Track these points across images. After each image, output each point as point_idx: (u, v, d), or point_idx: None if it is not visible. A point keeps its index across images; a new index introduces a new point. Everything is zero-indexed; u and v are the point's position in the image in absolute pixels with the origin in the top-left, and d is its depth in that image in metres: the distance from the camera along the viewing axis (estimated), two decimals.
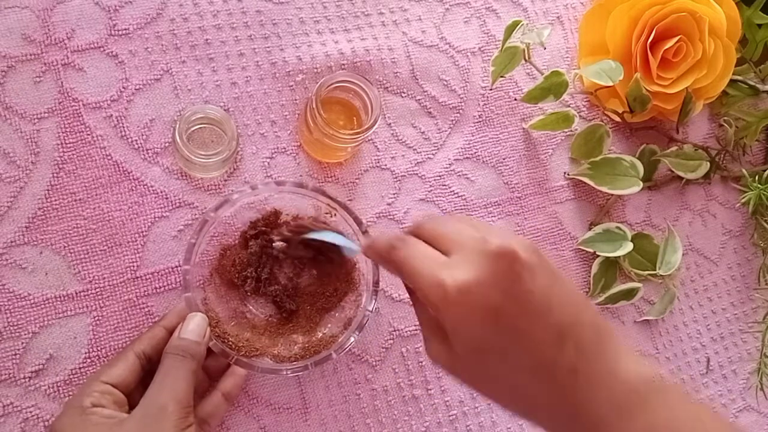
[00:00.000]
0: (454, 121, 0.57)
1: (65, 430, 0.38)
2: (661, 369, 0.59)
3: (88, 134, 0.48)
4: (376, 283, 0.46)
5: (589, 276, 0.57)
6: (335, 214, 0.48)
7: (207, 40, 0.51)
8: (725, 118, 0.62)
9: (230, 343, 0.44)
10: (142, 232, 0.48)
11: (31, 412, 0.44)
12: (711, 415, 0.35)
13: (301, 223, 0.46)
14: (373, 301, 0.45)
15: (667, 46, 0.54)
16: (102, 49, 0.49)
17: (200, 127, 0.50)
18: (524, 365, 0.33)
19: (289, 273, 0.49)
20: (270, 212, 0.48)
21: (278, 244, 0.47)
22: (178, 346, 0.41)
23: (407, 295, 0.41)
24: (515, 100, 0.59)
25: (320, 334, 0.47)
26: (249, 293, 0.47)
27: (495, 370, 0.33)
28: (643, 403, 0.32)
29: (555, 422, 0.34)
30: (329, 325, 0.48)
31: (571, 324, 0.33)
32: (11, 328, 0.45)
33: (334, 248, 0.45)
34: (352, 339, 0.45)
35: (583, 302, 0.35)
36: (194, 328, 0.42)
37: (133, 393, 0.41)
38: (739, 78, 0.61)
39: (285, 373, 0.43)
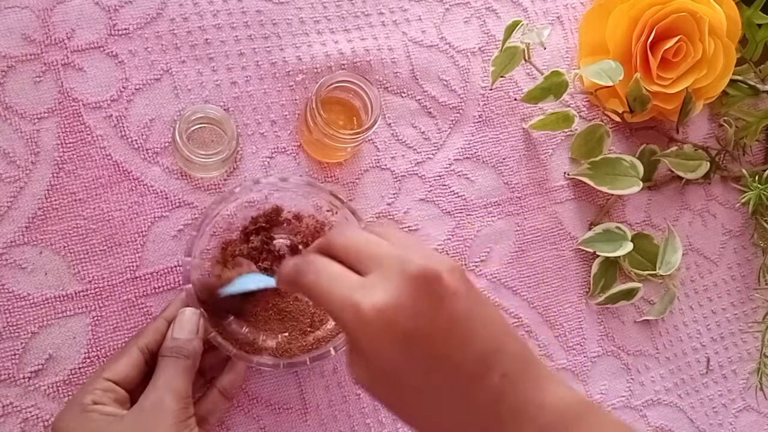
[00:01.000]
0: (454, 121, 0.57)
1: (66, 427, 0.38)
2: (661, 369, 0.59)
3: (88, 134, 0.48)
4: None
5: (589, 276, 0.57)
6: (336, 212, 0.48)
7: (207, 39, 0.51)
8: (725, 118, 0.62)
9: (229, 337, 0.44)
10: (142, 232, 0.48)
11: (30, 412, 0.44)
12: None
13: (207, 284, 0.44)
14: None
15: (667, 46, 0.54)
16: (102, 49, 0.49)
17: (200, 127, 0.50)
18: (443, 393, 0.31)
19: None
20: (271, 209, 0.48)
21: (279, 242, 0.47)
22: (171, 347, 0.41)
23: None
24: (515, 100, 0.59)
25: (319, 331, 0.47)
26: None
27: (413, 397, 0.31)
28: (567, 430, 0.31)
29: None
30: (329, 322, 0.48)
31: (496, 351, 0.31)
32: (11, 328, 0.45)
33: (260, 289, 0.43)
34: None
35: (509, 330, 0.33)
36: (185, 325, 0.42)
37: (137, 389, 0.41)
38: (739, 78, 0.61)
39: (282, 367, 0.43)
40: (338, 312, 0.31)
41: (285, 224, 0.49)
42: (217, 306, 0.44)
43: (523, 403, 0.31)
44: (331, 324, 0.47)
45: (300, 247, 0.49)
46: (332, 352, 0.44)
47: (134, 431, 0.38)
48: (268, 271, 0.47)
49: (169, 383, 0.39)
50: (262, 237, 0.47)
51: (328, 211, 0.48)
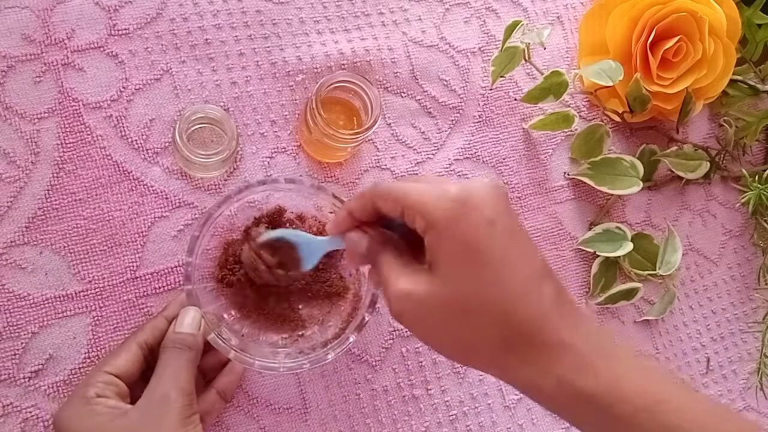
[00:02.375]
0: (454, 121, 0.57)
1: (70, 421, 0.38)
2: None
3: (88, 134, 0.48)
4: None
5: (589, 276, 0.57)
6: None
7: (207, 39, 0.51)
8: (725, 118, 0.62)
9: (228, 338, 0.44)
10: (142, 232, 0.48)
11: (30, 412, 0.44)
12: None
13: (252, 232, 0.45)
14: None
15: (667, 46, 0.54)
16: (102, 49, 0.49)
17: (200, 127, 0.50)
18: (516, 279, 0.32)
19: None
20: (274, 209, 0.48)
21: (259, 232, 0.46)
22: (175, 339, 0.41)
23: None
24: (515, 100, 0.59)
25: (319, 333, 0.47)
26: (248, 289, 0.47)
27: (486, 277, 0.32)
28: (616, 351, 0.33)
29: (527, 353, 0.32)
30: (329, 324, 0.48)
31: (549, 269, 0.34)
32: (11, 328, 0.45)
33: (295, 247, 0.43)
34: (351, 339, 0.45)
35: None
36: (189, 321, 0.42)
37: (135, 385, 0.41)
38: (739, 78, 0.61)
39: (281, 370, 0.43)
40: (427, 199, 0.33)
41: (287, 225, 0.49)
42: (252, 258, 0.44)
43: (573, 316, 0.33)
44: (331, 327, 0.47)
45: None
46: (332, 354, 0.44)
47: (141, 426, 0.37)
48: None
49: (175, 378, 0.39)
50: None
51: (330, 212, 0.48)
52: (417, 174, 0.55)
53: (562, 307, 0.33)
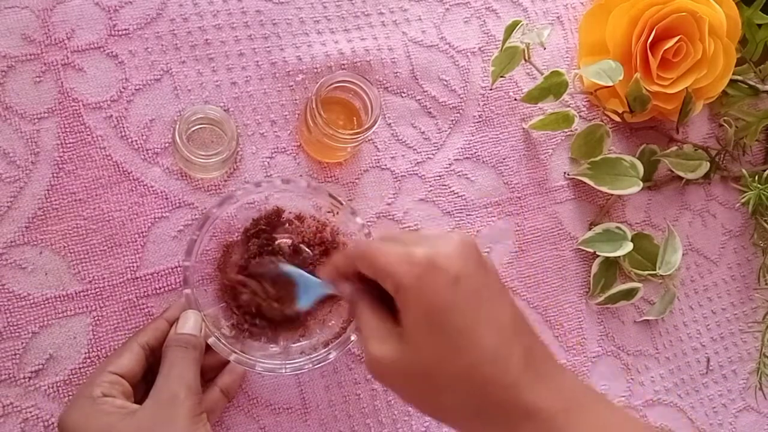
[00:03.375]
0: (454, 121, 0.57)
1: (77, 421, 0.38)
2: (661, 369, 0.59)
3: (88, 134, 0.48)
4: None
5: (589, 276, 0.57)
6: (337, 213, 0.48)
7: (207, 40, 0.51)
8: (725, 118, 0.62)
9: (229, 340, 0.44)
10: (142, 232, 0.48)
11: (30, 412, 0.44)
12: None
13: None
14: None
15: (667, 46, 0.54)
16: (102, 49, 0.49)
17: (200, 127, 0.50)
18: (481, 345, 0.32)
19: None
20: (272, 210, 0.48)
21: (281, 242, 0.47)
22: (178, 338, 0.41)
23: None
24: (515, 100, 0.59)
25: (320, 334, 0.47)
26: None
27: (457, 337, 0.32)
28: (587, 405, 0.34)
29: (494, 418, 0.33)
30: (330, 325, 0.48)
31: (522, 321, 0.35)
32: (11, 328, 0.45)
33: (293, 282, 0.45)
34: (352, 338, 0.45)
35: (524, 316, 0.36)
36: (191, 324, 0.42)
37: (137, 385, 0.41)
38: (739, 78, 0.61)
39: (284, 371, 0.43)
40: (394, 263, 0.33)
41: (286, 225, 0.49)
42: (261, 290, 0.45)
43: (546, 371, 0.34)
44: (331, 327, 0.47)
45: (302, 246, 0.49)
46: (333, 355, 0.44)
47: (151, 424, 0.37)
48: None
49: (182, 377, 0.39)
50: (261, 240, 0.47)
51: (328, 212, 0.48)
52: (417, 174, 0.55)
53: (531, 368, 0.33)
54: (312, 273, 0.43)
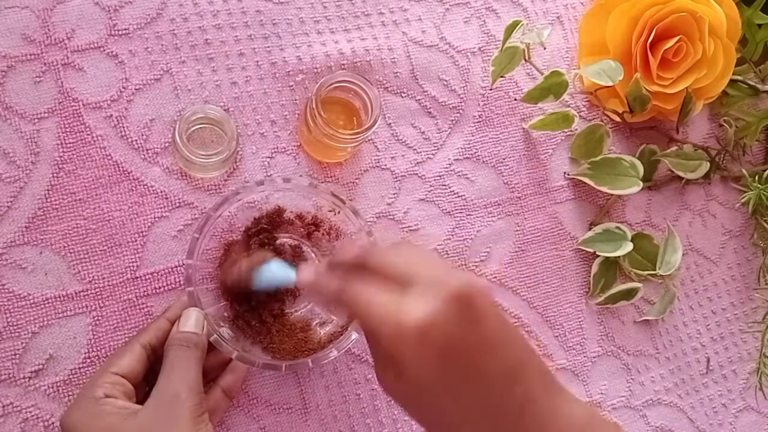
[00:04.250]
0: (454, 121, 0.57)
1: (79, 422, 0.38)
2: (661, 369, 0.59)
3: (88, 134, 0.48)
4: None
5: (589, 276, 0.57)
6: (338, 212, 0.48)
7: (207, 40, 0.51)
8: (725, 118, 0.62)
9: (231, 338, 0.44)
10: (142, 232, 0.48)
11: (30, 412, 0.44)
12: None
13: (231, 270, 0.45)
14: None
15: (667, 46, 0.54)
16: (102, 49, 0.49)
17: (200, 127, 0.50)
18: (474, 403, 0.33)
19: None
20: (273, 209, 0.48)
21: (282, 241, 0.47)
22: (180, 337, 0.41)
23: None
24: (515, 100, 0.59)
25: (321, 332, 0.47)
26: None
27: (446, 406, 0.33)
28: None
29: None
30: (330, 323, 0.48)
31: (520, 367, 0.34)
32: (11, 328, 0.45)
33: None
34: (353, 336, 0.45)
35: (530, 348, 0.35)
36: (193, 322, 0.42)
37: (139, 385, 0.41)
38: (739, 78, 0.61)
39: (284, 369, 0.43)
40: (378, 326, 0.32)
41: (287, 224, 0.49)
42: (240, 292, 0.44)
43: (545, 415, 0.33)
44: (332, 327, 0.47)
45: (303, 247, 0.49)
46: (335, 353, 0.44)
47: (153, 425, 0.37)
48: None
49: (184, 377, 0.39)
50: (261, 239, 0.47)
51: (330, 211, 0.48)
52: (417, 174, 0.55)
53: (526, 417, 0.33)
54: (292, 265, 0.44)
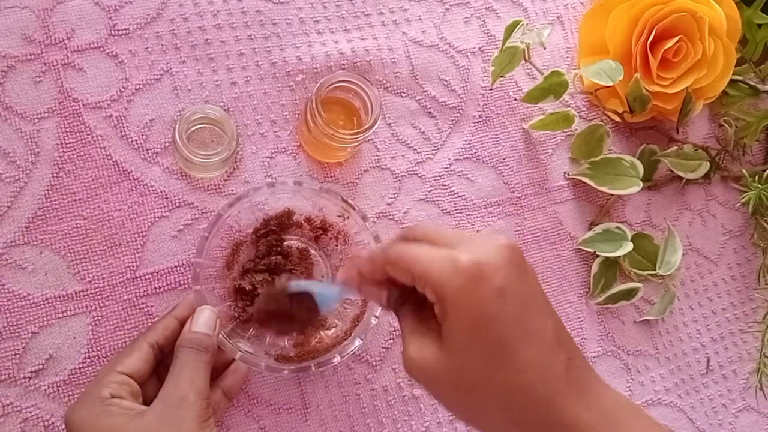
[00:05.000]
0: (454, 121, 0.57)
1: (84, 420, 0.38)
2: (661, 369, 0.59)
3: (88, 134, 0.48)
4: None
5: (589, 276, 0.57)
6: (348, 218, 0.48)
7: (207, 40, 0.51)
8: (725, 118, 0.62)
9: (234, 339, 0.44)
10: (142, 232, 0.48)
11: (30, 412, 0.44)
12: None
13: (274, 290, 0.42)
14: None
15: (667, 46, 0.54)
16: (102, 49, 0.49)
17: (200, 127, 0.50)
18: (525, 357, 0.32)
19: (297, 273, 0.49)
20: (282, 211, 0.48)
21: (290, 242, 0.47)
22: (191, 339, 0.41)
23: None
24: (515, 100, 0.59)
25: (325, 336, 0.47)
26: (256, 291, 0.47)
27: (494, 357, 0.32)
28: (626, 419, 0.33)
29: (532, 429, 0.33)
30: (334, 327, 0.48)
31: (563, 328, 0.34)
32: (11, 328, 0.45)
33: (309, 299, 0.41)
34: (357, 342, 0.44)
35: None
36: (205, 320, 0.42)
37: (146, 384, 0.41)
38: (739, 78, 0.61)
39: (287, 372, 0.43)
40: (427, 267, 0.32)
41: (295, 227, 0.49)
42: (283, 315, 0.41)
43: (586, 377, 0.33)
44: (336, 329, 0.47)
45: (311, 250, 0.49)
46: (338, 358, 0.44)
47: (158, 428, 0.37)
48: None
49: (192, 380, 0.39)
50: (270, 240, 0.47)
51: (339, 216, 0.48)
52: (417, 174, 0.55)
53: (572, 380, 0.32)
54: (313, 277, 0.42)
